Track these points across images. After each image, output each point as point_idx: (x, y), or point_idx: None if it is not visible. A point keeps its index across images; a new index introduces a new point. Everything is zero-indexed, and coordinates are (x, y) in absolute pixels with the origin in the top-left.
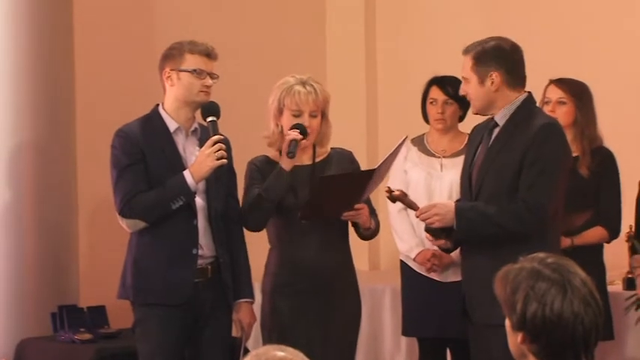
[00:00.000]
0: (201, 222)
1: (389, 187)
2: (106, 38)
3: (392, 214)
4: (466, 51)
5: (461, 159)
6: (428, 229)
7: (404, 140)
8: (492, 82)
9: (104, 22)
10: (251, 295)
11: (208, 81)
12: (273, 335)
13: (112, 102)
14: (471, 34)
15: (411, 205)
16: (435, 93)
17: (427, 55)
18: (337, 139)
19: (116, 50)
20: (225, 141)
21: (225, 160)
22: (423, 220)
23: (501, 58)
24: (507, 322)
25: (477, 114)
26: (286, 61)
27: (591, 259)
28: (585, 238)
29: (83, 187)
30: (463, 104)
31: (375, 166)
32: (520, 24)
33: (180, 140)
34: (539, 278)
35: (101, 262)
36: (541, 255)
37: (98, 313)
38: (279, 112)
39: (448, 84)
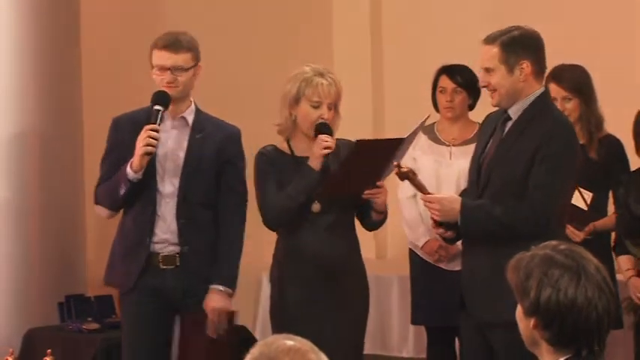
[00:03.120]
0: (168, 210)
1: (398, 163)
2: (112, 26)
3: (402, 201)
4: (490, 40)
5: (470, 147)
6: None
7: (426, 119)
8: (522, 72)
9: (111, 9)
10: (222, 283)
11: (167, 77)
12: (282, 324)
13: (119, 90)
14: (479, 21)
15: (419, 187)
16: (444, 82)
17: (434, 44)
18: (343, 130)
19: (122, 37)
20: (235, 134)
21: (150, 148)
22: (426, 207)
23: (531, 47)
24: (519, 309)
25: (497, 106)
26: (293, 51)
27: (600, 248)
28: (606, 223)
29: (90, 176)
30: (472, 93)
31: (405, 136)
32: (528, 10)
33: (165, 127)
34: (553, 264)
35: (108, 251)
36: (553, 242)
37: (105, 302)
38: (296, 101)
39: (457, 72)
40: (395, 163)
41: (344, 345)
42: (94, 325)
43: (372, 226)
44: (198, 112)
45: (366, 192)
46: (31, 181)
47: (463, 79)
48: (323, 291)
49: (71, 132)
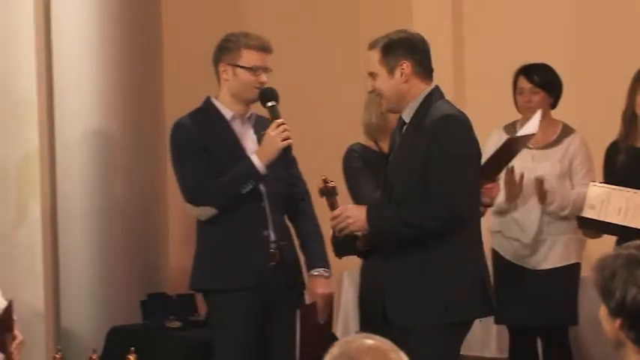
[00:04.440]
0: (268, 206)
1: (326, 178)
2: (192, 24)
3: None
4: (372, 45)
5: (553, 151)
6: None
7: (539, 113)
8: (402, 73)
9: (192, 8)
10: (323, 266)
11: (263, 77)
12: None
13: (200, 89)
14: (559, 21)
15: (333, 205)
16: (522, 82)
17: (517, 42)
18: None
19: (204, 37)
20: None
21: (291, 140)
22: (335, 227)
23: (411, 48)
24: (602, 309)
25: (388, 111)
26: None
27: None
28: None
29: (172, 176)
30: (552, 92)
31: (529, 133)
32: (611, 8)
33: (236, 127)
34: (638, 264)
35: (190, 250)
36: (637, 242)
37: (187, 300)
38: None
39: (534, 72)
40: (323, 177)
41: None
42: (176, 324)
43: None
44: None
45: (485, 186)
46: (115, 181)
47: (540, 78)
48: None
49: (153, 133)
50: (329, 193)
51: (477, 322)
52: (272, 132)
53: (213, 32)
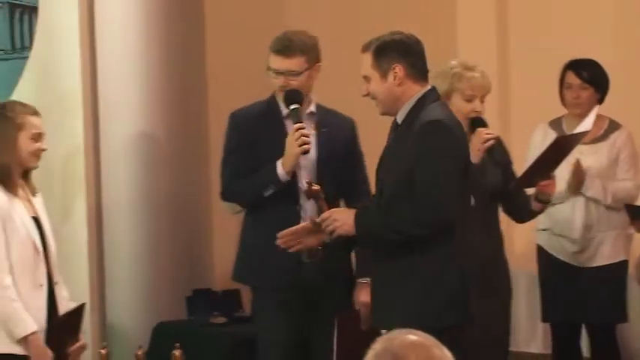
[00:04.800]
0: (309, 206)
1: (310, 181)
2: (236, 24)
3: None
4: (365, 48)
5: (599, 146)
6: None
7: (595, 109)
8: (395, 76)
9: (235, 9)
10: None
11: (280, 81)
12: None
13: (243, 87)
14: (604, 15)
15: (321, 208)
16: (570, 78)
17: (562, 37)
18: None
19: (246, 37)
20: (355, 124)
21: (307, 147)
22: (325, 229)
23: (404, 50)
24: None
25: (384, 114)
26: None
27: None
28: None
29: (217, 174)
30: (600, 88)
31: (583, 130)
32: None
33: (291, 124)
34: None
35: (235, 246)
36: None
37: (232, 296)
38: (447, 96)
39: (583, 68)
40: (306, 180)
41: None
42: (221, 319)
43: (530, 215)
44: (318, 106)
45: (541, 183)
46: (159, 177)
47: (589, 74)
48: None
49: (197, 131)
50: (314, 196)
51: (523, 318)
52: (290, 137)
53: (256, 32)
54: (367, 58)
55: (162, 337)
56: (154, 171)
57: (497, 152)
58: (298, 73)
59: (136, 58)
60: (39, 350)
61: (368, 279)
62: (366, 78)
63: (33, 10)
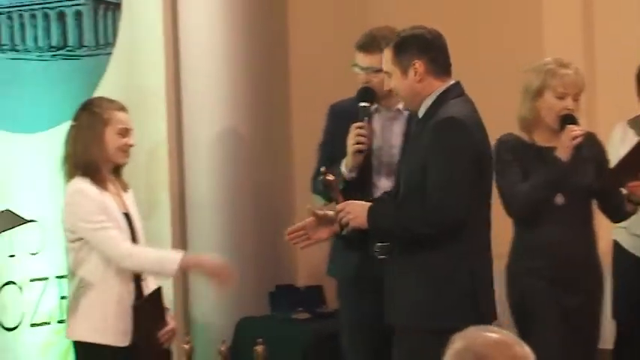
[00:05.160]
0: None
1: (325, 169)
2: (319, 22)
3: None
4: (385, 44)
5: None
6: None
7: None
8: (416, 72)
9: (318, 5)
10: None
11: (362, 77)
12: (523, 319)
13: (326, 86)
14: None
15: (336, 199)
16: None
17: None
18: None
19: (330, 34)
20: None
21: (360, 146)
22: (340, 221)
23: (424, 46)
24: None
25: (406, 109)
26: (499, 44)
27: None
28: None
29: (300, 170)
30: None
31: None
32: None
33: (378, 119)
34: None
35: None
36: None
37: (315, 292)
38: (539, 93)
39: None
40: (322, 169)
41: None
42: (304, 315)
43: (623, 217)
44: None
45: (630, 184)
46: (243, 176)
47: None
48: (562, 284)
49: (281, 129)
50: (328, 186)
51: None
52: (350, 135)
53: (339, 29)
54: (388, 54)
55: (245, 332)
56: (238, 167)
57: (587, 149)
58: (380, 70)
59: (219, 55)
60: (200, 261)
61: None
62: (388, 74)
63: (116, 7)
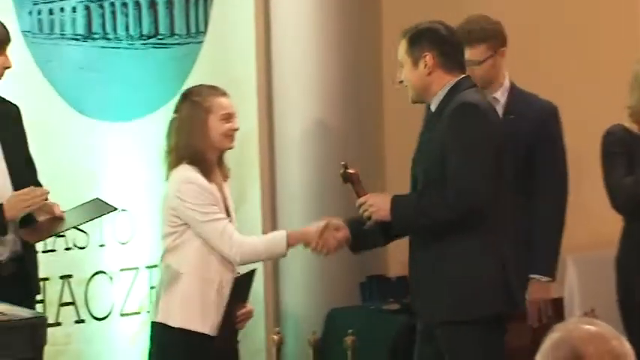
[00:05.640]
0: None
1: (346, 164)
2: (415, 16)
3: None
4: (402, 34)
5: None
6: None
7: None
8: (426, 65)
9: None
10: (540, 272)
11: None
12: (631, 314)
13: None
14: None
15: (358, 192)
16: None
17: None
18: None
19: None
20: (551, 110)
21: None
22: (363, 213)
23: (437, 39)
24: None
25: (414, 101)
26: (595, 29)
27: None
28: None
29: (390, 166)
30: None
31: None
32: None
33: None
34: None
35: None
36: None
37: (406, 283)
38: None
39: None
40: (343, 163)
41: None
42: (395, 306)
43: None
44: (512, 90)
45: None
46: (333, 166)
47: None
48: None
49: (372, 123)
50: (350, 179)
51: None
52: None
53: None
54: (403, 45)
55: (335, 323)
56: (328, 158)
57: None
58: (479, 62)
59: (310, 46)
60: (303, 233)
61: (540, 276)
62: (400, 64)
63: None
